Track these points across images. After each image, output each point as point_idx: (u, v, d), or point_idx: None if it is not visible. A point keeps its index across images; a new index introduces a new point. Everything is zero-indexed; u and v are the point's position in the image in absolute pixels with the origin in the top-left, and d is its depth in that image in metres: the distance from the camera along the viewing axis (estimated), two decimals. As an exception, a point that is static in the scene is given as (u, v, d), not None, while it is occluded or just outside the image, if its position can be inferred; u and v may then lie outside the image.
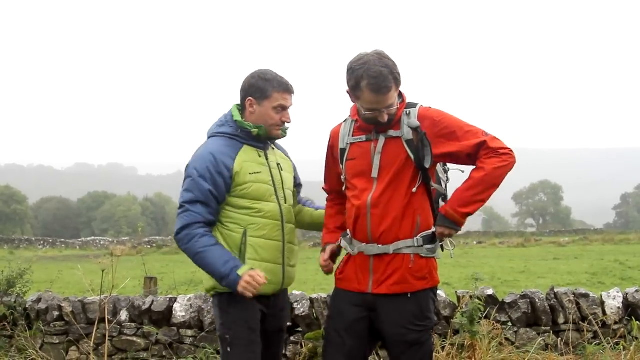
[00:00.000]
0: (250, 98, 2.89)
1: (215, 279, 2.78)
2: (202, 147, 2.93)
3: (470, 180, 2.62)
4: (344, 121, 2.86)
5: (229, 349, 2.83)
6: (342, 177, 2.84)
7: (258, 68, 2.98)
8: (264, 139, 2.96)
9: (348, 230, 2.83)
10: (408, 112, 2.71)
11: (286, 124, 2.96)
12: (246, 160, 2.88)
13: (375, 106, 2.60)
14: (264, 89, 2.86)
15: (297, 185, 3.22)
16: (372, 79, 2.53)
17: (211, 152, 2.84)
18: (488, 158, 2.60)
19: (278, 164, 3.02)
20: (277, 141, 3.13)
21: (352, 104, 2.82)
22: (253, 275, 2.69)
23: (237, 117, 2.92)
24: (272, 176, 2.95)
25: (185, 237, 2.79)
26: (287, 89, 2.90)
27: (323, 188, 3.07)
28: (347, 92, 2.71)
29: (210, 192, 2.79)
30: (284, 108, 2.90)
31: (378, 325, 2.72)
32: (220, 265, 2.72)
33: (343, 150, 2.79)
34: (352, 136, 2.77)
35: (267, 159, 2.97)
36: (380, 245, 2.68)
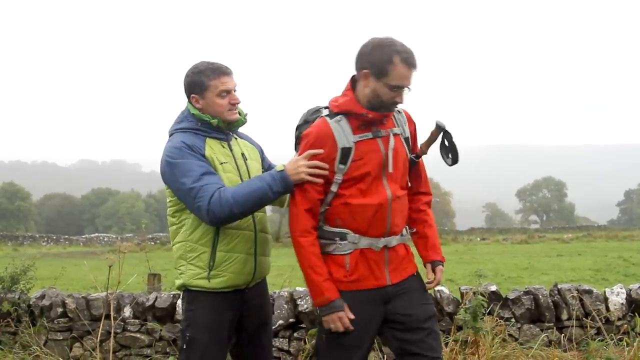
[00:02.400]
0: (193, 96, 2.85)
1: (271, 197, 2.70)
2: (167, 144, 2.84)
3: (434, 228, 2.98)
4: (335, 120, 2.67)
5: (184, 346, 2.81)
6: (337, 178, 2.67)
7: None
8: (225, 129, 2.92)
9: (349, 229, 2.69)
10: (399, 110, 2.82)
11: (241, 109, 2.93)
12: (214, 151, 2.84)
13: (404, 82, 2.60)
14: (200, 82, 2.82)
15: (270, 168, 3.14)
16: (405, 53, 2.57)
17: (181, 140, 2.79)
18: (428, 206, 2.99)
19: (242, 154, 2.97)
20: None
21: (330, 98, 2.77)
22: (297, 159, 2.68)
23: (194, 110, 2.86)
24: (237, 166, 2.90)
25: (217, 203, 2.62)
26: (221, 73, 2.83)
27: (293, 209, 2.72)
28: (365, 73, 2.62)
29: (204, 161, 2.75)
30: (227, 92, 2.84)
31: (393, 313, 2.72)
32: (258, 181, 2.69)
33: (349, 150, 2.64)
34: (354, 134, 2.68)
35: (231, 150, 2.92)
36: (397, 237, 2.76)
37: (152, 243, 33.93)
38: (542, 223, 79.62)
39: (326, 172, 2.63)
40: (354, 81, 2.71)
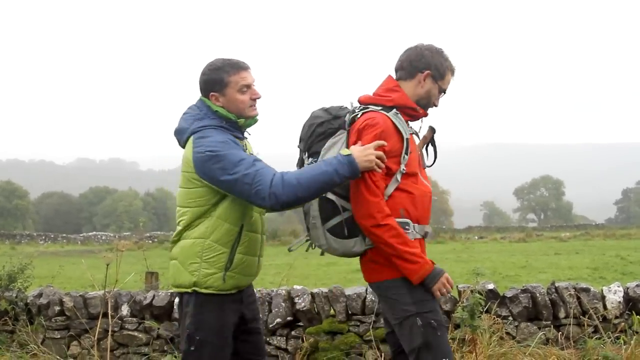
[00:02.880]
0: (212, 94, 2.78)
1: (336, 182, 2.58)
2: (204, 140, 2.68)
3: None
4: (394, 114, 2.74)
5: (192, 349, 2.74)
6: (403, 168, 2.72)
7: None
8: (244, 128, 2.88)
9: (409, 219, 2.73)
10: None
11: (256, 107, 2.86)
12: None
13: (447, 87, 2.88)
14: (219, 79, 2.75)
15: None
16: (452, 63, 2.88)
17: (225, 136, 2.70)
18: None
19: (250, 154, 2.92)
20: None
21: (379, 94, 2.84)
22: (366, 147, 2.61)
23: (218, 108, 2.78)
24: None
25: (279, 186, 2.53)
26: (240, 67, 2.78)
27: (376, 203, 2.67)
28: (427, 74, 2.80)
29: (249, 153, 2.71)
30: (248, 86, 2.79)
31: None
32: (324, 165, 2.58)
33: (408, 141, 2.74)
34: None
35: (245, 149, 2.87)
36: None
37: (150, 241, 33.90)
38: (540, 221, 79.75)
39: (383, 165, 2.67)
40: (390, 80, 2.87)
